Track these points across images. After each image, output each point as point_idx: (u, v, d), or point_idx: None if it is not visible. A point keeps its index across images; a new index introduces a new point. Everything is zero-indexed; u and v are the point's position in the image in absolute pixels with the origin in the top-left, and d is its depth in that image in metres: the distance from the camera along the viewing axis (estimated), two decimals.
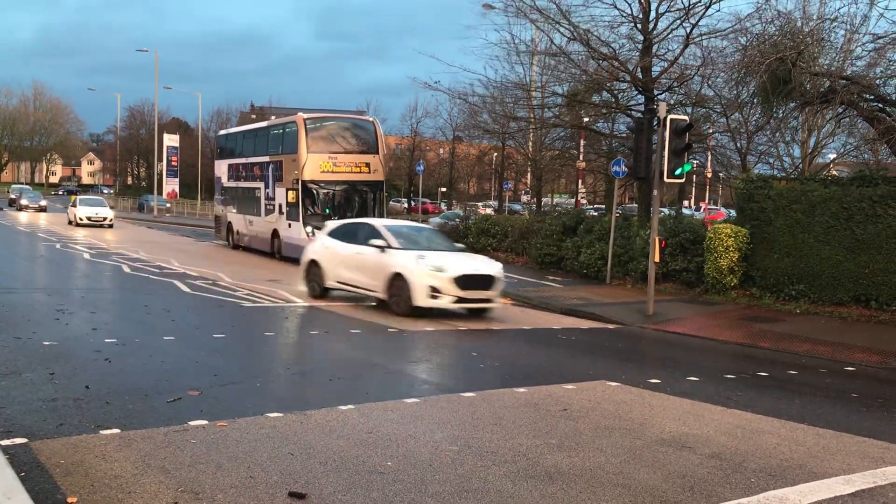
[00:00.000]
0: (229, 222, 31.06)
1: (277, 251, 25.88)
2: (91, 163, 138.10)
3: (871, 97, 16.80)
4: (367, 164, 24.75)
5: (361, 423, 7.16)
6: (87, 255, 24.30)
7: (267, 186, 26.84)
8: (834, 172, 27.81)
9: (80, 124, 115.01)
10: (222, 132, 33.69)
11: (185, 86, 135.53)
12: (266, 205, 27.04)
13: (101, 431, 6.52)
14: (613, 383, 9.55)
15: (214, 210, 34.56)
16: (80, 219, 40.10)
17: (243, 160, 29.75)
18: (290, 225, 24.82)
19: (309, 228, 23.13)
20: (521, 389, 8.89)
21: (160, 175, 72.66)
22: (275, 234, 26.11)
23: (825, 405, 9.07)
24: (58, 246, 27.71)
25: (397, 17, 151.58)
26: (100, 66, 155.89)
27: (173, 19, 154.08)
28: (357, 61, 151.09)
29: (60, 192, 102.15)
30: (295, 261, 21.61)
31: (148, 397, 7.77)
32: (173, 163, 75.86)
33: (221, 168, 32.37)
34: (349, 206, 24.44)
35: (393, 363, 10.59)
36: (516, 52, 25.37)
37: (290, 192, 24.62)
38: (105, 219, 40.82)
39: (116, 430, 6.55)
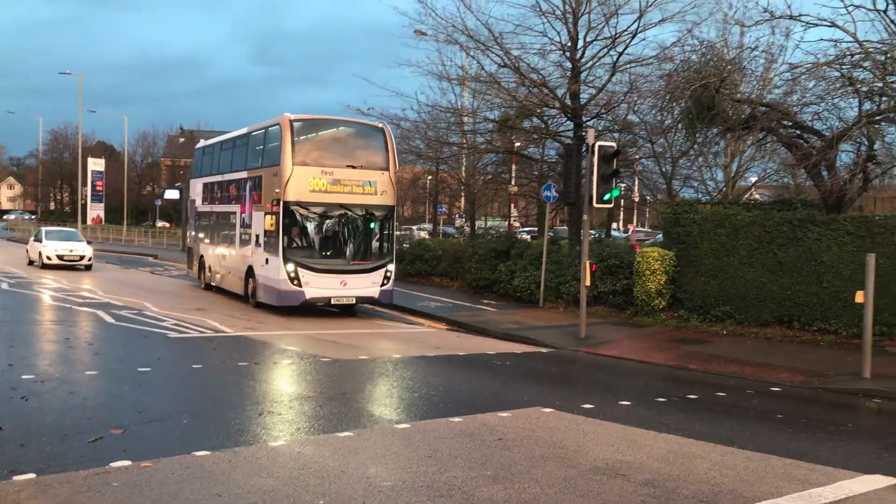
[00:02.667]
0: (201, 256, 25.07)
1: (252, 295, 20.01)
2: (11, 187, 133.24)
3: (790, 124, 17.42)
4: (373, 184, 18.95)
5: (293, 460, 6.98)
6: (4, 286, 23.33)
7: (243, 210, 21.15)
8: (756, 195, 28.76)
9: None
10: (201, 144, 26.84)
11: (114, 109, 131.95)
12: (241, 233, 21.20)
13: (15, 477, 6.19)
14: (548, 409, 9.56)
15: (187, 240, 28.63)
16: (48, 258, 30.50)
17: (219, 177, 23.75)
18: (266, 261, 18.99)
19: (291, 267, 17.97)
20: (457, 419, 8.82)
21: (84, 200, 70.57)
22: (249, 272, 20.26)
23: (753, 427, 9.25)
24: None
25: (332, 43, 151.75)
26: (24, 89, 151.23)
27: (106, 43, 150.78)
28: (292, 86, 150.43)
29: None
30: (273, 310, 18.62)
31: (67, 438, 7.43)
32: (98, 187, 73.72)
33: (196, 188, 26.43)
34: (347, 237, 19.04)
35: (326, 394, 10.40)
36: (447, 77, 25.53)
37: (268, 218, 18.69)
38: (82, 258, 31.02)
39: (32, 475, 6.24)
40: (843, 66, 16.38)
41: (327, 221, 18.78)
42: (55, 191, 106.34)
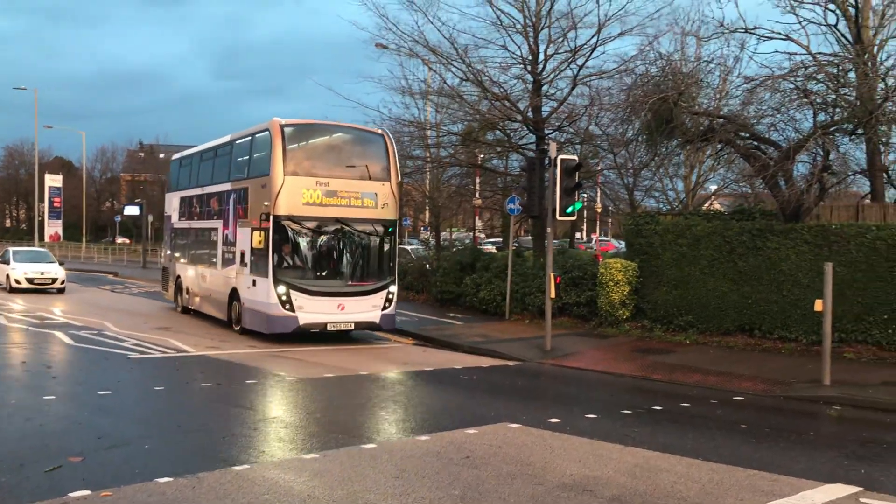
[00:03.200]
0: (178, 276, 23.01)
1: (236, 320, 18.24)
2: None
3: (747, 135, 17.70)
4: (374, 196, 17.29)
5: (258, 485, 6.88)
6: None
7: (226, 226, 19.25)
8: (716, 205, 29.19)
9: None
10: (177, 156, 24.87)
11: (73, 124, 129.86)
12: (224, 252, 19.35)
13: None
14: (515, 425, 9.56)
15: (162, 258, 26.33)
16: (17, 281, 28.38)
17: (198, 190, 21.75)
18: (254, 282, 17.20)
19: (282, 289, 16.26)
20: (424, 437, 8.78)
21: (42, 217, 69.30)
22: (233, 294, 18.44)
23: (717, 438, 9.33)
24: None
25: (295, 57, 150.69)
26: None
27: (64, 57, 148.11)
28: (254, 99, 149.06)
29: None
30: (260, 337, 16.99)
31: (23, 467, 7.25)
32: (56, 204, 72.46)
33: (172, 203, 24.28)
34: (345, 255, 17.23)
35: (290, 415, 10.29)
36: (410, 92, 25.55)
37: (255, 234, 17.07)
38: (54, 280, 28.90)
39: None
40: (798, 79, 16.71)
41: (322, 238, 16.97)
42: (11, 208, 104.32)
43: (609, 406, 11.34)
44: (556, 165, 15.50)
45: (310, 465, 7.57)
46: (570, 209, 15.82)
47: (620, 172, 24.00)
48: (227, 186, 19.42)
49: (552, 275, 16.42)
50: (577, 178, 16.08)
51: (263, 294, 16.68)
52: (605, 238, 60.17)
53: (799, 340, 15.69)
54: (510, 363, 15.34)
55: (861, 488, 7.21)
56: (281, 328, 16.48)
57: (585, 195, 32.90)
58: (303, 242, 16.90)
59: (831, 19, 17.56)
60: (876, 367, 13.86)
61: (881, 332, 14.70)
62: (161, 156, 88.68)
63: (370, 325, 17.30)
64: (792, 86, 16.65)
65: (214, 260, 19.99)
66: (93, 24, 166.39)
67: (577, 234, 51.13)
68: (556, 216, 15.71)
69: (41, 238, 64.13)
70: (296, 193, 16.51)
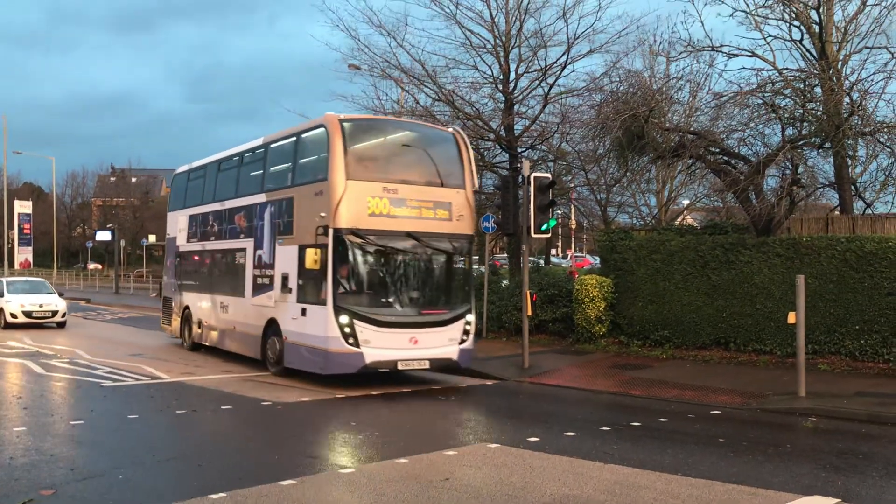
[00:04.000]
0: (185, 307, 20.09)
1: (274, 358, 15.35)
2: None
3: (717, 150, 17.91)
4: (448, 207, 14.72)
5: None
6: None
7: (259, 246, 16.45)
8: (689, 219, 29.47)
9: None
10: (182, 168, 21.65)
11: (44, 150, 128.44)
12: (256, 277, 16.48)
13: None
14: (494, 445, 9.51)
15: (163, 287, 23.05)
16: (12, 315, 25.30)
17: (215, 206, 18.88)
18: (303, 311, 14.39)
19: (345, 319, 13.48)
20: (403, 460, 8.71)
21: (11, 244, 68.38)
22: (270, 326, 15.55)
23: (696, 453, 9.35)
24: None
25: (269, 79, 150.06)
26: None
27: (35, 83, 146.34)
28: (228, 122, 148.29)
29: None
30: (309, 377, 14.44)
31: None
32: (26, 230, 71.56)
33: (177, 222, 21.18)
34: (417, 277, 14.59)
35: (268, 441, 10.16)
36: (383, 111, 25.58)
37: (308, 253, 14.16)
38: (54, 314, 25.78)
39: None
40: (766, 94, 16.98)
41: (391, 257, 14.19)
42: None
43: (588, 423, 11.33)
44: (529, 183, 15.58)
45: (287, 491, 7.47)
46: (544, 226, 15.90)
47: (593, 189, 24.19)
48: (259, 199, 16.60)
49: (528, 292, 16.44)
50: (550, 195, 16.17)
51: (318, 325, 13.79)
52: (580, 254, 60.47)
53: (774, 353, 15.83)
54: (488, 382, 15.30)
55: (839, 500, 7.25)
56: (342, 367, 13.61)
57: (560, 212, 33.11)
58: (368, 262, 14.06)
59: (796, 35, 17.88)
60: (850, 377, 14.02)
61: (854, 342, 14.88)
62: (133, 180, 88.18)
63: (447, 363, 14.58)
64: (760, 101, 16.92)
65: (241, 286, 17.04)
66: (64, 51, 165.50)
67: (553, 251, 51.32)
68: (532, 234, 15.77)
69: (11, 265, 63.29)
70: (360, 202, 13.80)
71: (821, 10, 17.32)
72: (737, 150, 17.64)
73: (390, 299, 14.18)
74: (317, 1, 52.65)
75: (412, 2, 28.03)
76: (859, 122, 16.36)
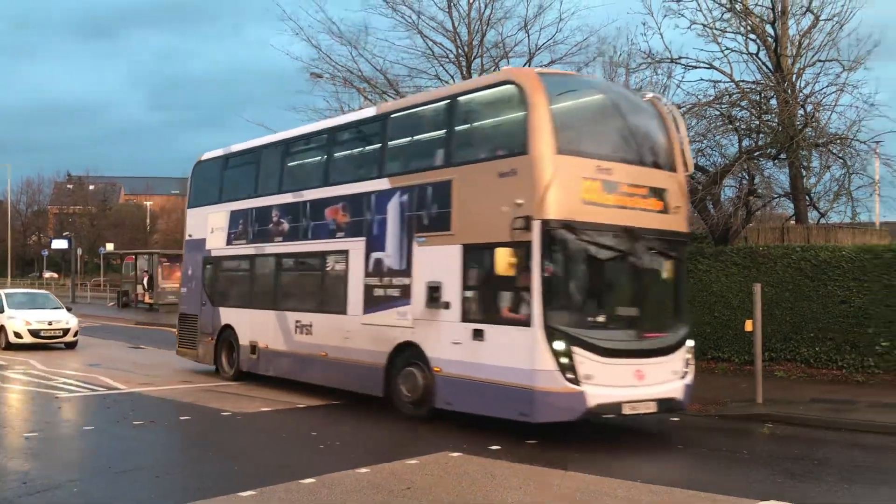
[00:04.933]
0: (225, 327, 16.10)
1: (414, 396, 11.75)
2: None
3: None
4: (663, 195, 11.11)
5: None
6: None
7: (376, 247, 12.59)
8: None
9: None
10: (213, 154, 17.56)
11: (1, 158, 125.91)
12: (372, 287, 12.60)
13: None
14: (455, 454, 9.50)
15: (181, 303, 18.38)
16: (16, 335, 21.24)
17: (284, 198, 14.94)
18: (476, 333, 10.69)
19: (561, 345, 9.78)
20: (363, 469, 8.65)
21: None
22: (402, 353, 11.98)
23: (655, 459, 9.45)
24: None
25: (233, 88, 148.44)
26: None
27: None
28: (191, 130, 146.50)
29: None
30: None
31: None
32: None
33: (206, 221, 17.08)
34: (637, 289, 10.98)
35: (227, 452, 10.04)
36: None
37: (500, 254, 10.39)
38: (66, 332, 21.79)
39: None
40: (723, 106, 17.30)
41: (610, 261, 10.51)
42: None
43: (550, 431, 11.34)
44: None
45: (247, 503, 7.38)
46: None
47: None
48: (374, 185, 12.76)
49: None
50: None
51: (513, 353, 10.16)
52: None
53: (732, 360, 16.07)
54: None
55: None
56: (555, 413, 10.03)
57: None
58: (585, 268, 10.50)
59: (753, 48, 18.27)
60: (805, 384, 14.31)
61: (809, 349, 15.17)
62: (91, 187, 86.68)
63: (671, 405, 10.82)
64: (717, 112, 17.23)
65: (338, 300, 13.32)
66: (23, 57, 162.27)
67: None
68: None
69: None
70: (572, 185, 10.22)
71: (776, 25, 17.76)
72: (695, 161, 17.92)
73: (611, 319, 10.57)
74: (279, 11, 52.33)
75: (373, 11, 27.86)
76: (813, 134, 16.77)
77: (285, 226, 14.83)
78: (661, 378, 10.53)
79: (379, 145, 13.27)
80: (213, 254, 16.81)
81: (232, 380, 15.75)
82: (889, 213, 25.92)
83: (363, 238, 12.89)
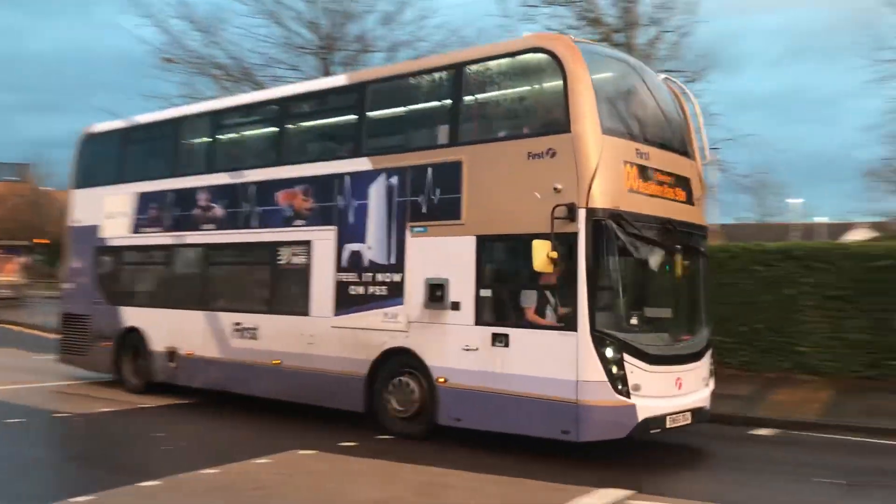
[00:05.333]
0: (129, 329, 13.84)
1: (407, 412, 10.13)
2: None
3: None
4: (687, 185, 10.31)
5: None
6: None
7: (353, 238, 10.88)
8: None
9: None
10: (109, 126, 15.32)
11: None
12: (347, 284, 10.85)
13: None
14: (307, 451, 9.39)
15: (64, 301, 15.64)
16: None
17: (219, 178, 12.77)
18: (496, 338, 9.30)
19: (611, 353, 8.61)
20: (211, 470, 8.39)
21: None
22: (388, 361, 10.37)
23: (511, 454, 9.59)
24: None
25: (81, 71, 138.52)
26: None
27: None
28: (30, 114, 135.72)
29: None
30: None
31: None
32: None
33: (101, 204, 14.63)
34: (675, 290, 10.18)
35: (61, 455, 9.52)
36: None
37: (538, 247, 8.54)
38: None
39: None
40: None
41: (653, 257, 9.52)
42: None
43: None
44: None
45: None
46: None
47: None
48: (350, 165, 10.98)
49: None
50: None
51: (553, 362, 8.80)
52: None
53: None
54: None
55: (634, 491, 7.72)
56: (605, 430, 8.82)
57: None
58: (632, 264, 9.38)
59: None
60: None
61: None
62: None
63: (702, 415, 9.89)
64: None
65: (299, 299, 11.40)
66: None
67: None
68: None
69: None
70: (616, 170, 9.06)
71: (626, 33, 18.61)
72: None
73: (652, 322, 9.68)
74: None
75: None
76: None
77: (218, 211, 12.69)
78: (695, 386, 9.73)
79: (356, 118, 11.30)
80: (112, 243, 14.39)
81: (143, 392, 13.52)
82: (723, 216, 27.90)
83: (333, 227, 11.07)
